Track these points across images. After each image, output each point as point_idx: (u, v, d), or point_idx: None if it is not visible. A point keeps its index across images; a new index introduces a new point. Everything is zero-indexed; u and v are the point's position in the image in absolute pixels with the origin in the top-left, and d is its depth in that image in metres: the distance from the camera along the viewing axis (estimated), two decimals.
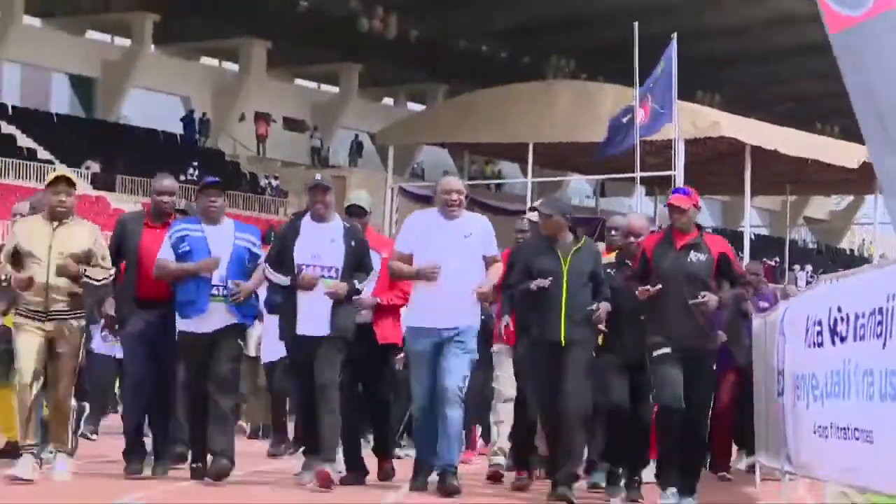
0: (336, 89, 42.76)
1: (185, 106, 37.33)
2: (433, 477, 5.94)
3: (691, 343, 5.79)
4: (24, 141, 30.68)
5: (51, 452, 5.85)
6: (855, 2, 5.72)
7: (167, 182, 6.49)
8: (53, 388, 5.62)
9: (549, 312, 5.91)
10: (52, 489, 5.40)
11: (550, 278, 5.74)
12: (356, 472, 6.30)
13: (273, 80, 39.91)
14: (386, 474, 6.49)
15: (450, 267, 5.80)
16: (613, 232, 6.92)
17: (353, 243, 6.00)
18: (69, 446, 5.87)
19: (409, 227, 6.41)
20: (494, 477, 6.83)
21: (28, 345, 5.55)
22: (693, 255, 5.88)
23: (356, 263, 5.97)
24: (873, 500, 6.09)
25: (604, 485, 6.35)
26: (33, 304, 5.55)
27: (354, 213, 6.50)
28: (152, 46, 37.39)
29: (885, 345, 4.10)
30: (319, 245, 5.93)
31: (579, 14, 36.73)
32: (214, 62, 41.99)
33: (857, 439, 4.42)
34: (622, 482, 6.19)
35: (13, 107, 33.14)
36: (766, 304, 7.75)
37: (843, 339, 4.76)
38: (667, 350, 5.71)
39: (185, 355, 5.95)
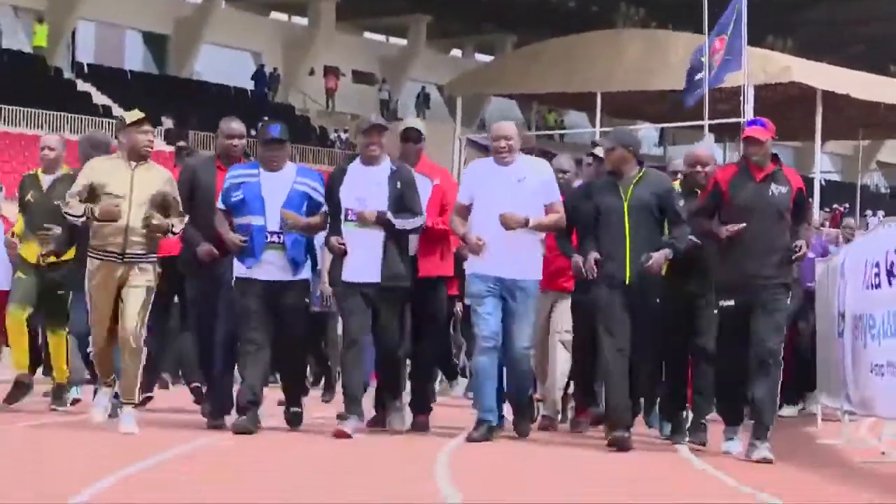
0: (404, 42, 42.63)
1: (255, 61, 37.72)
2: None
3: (768, 280, 5.39)
4: (99, 98, 31.29)
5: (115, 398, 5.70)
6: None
7: (235, 125, 6.27)
8: (125, 332, 5.30)
9: (614, 250, 5.62)
10: (122, 441, 5.14)
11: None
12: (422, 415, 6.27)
13: (342, 34, 39.79)
14: (420, 427, 6.13)
15: (504, 211, 5.65)
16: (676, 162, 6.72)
17: (398, 185, 5.77)
18: (137, 399, 5.53)
19: (467, 176, 6.48)
20: (545, 427, 6.65)
21: (103, 302, 5.38)
22: (774, 188, 5.48)
23: (401, 206, 5.75)
24: None
25: (668, 432, 6.03)
26: (111, 244, 5.31)
27: (411, 137, 6.34)
28: (223, 2, 37.77)
29: None
30: (366, 188, 5.75)
31: None
32: (284, 17, 42.06)
33: None
34: (686, 426, 5.93)
35: (88, 65, 33.81)
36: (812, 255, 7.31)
37: None
38: (731, 303, 5.42)
39: (240, 302, 5.67)
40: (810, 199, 5.87)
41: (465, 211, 5.88)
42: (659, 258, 5.52)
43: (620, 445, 5.35)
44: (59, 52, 33.11)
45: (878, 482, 4.79)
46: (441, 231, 6.22)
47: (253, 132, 9.82)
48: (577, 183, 6.78)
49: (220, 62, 37.47)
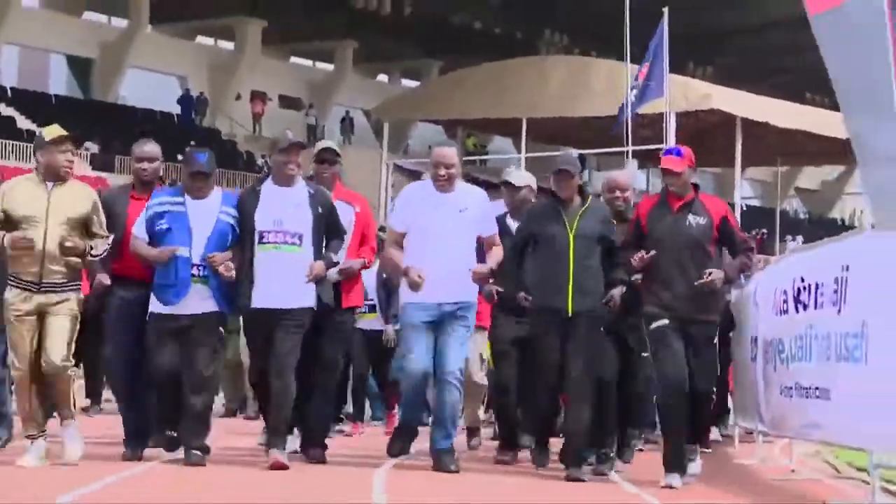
0: (331, 67, 42.71)
1: (181, 86, 37.31)
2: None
3: (692, 314, 5.28)
4: (23, 123, 30.59)
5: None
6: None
7: (148, 147, 5.82)
8: (50, 358, 4.95)
9: (555, 281, 5.49)
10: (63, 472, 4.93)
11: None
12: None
13: (269, 59, 39.84)
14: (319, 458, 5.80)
15: (445, 242, 5.52)
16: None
17: (320, 209, 5.55)
18: (74, 413, 5.29)
19: (402, 201, 6.24)
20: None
21: (21, 338, 5.02)
22: (692, 218, 5.37)
23: (326, 229, 5.61)
24: (838, 455, 6.55)
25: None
26: (26, 273, 4.97)
27: (327, 159, 6.12)
28: (149, 27, 37.27)
29: (839, 311, 4.51)
30: (282, 210, 5.47)
31: None
32: (210, 41, 41.88)
33: (818, 397, 4.82)
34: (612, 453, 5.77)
35: (12, 89, 33.07)
36: None
37: (805, 307, 5.15)
38: (664, 322, 5.25)
39: (155, 340, 5.44)
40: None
41: (400, 239, 5.72)
42: (618, 294, 5.48)
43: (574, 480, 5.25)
44: None
45: (789, 497, 5.11)
46: (363, 265, 6.24)
47: (180, 157, 9.70)
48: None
49: (146, 87, 36.93)
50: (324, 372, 5.91)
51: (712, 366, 5.54)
